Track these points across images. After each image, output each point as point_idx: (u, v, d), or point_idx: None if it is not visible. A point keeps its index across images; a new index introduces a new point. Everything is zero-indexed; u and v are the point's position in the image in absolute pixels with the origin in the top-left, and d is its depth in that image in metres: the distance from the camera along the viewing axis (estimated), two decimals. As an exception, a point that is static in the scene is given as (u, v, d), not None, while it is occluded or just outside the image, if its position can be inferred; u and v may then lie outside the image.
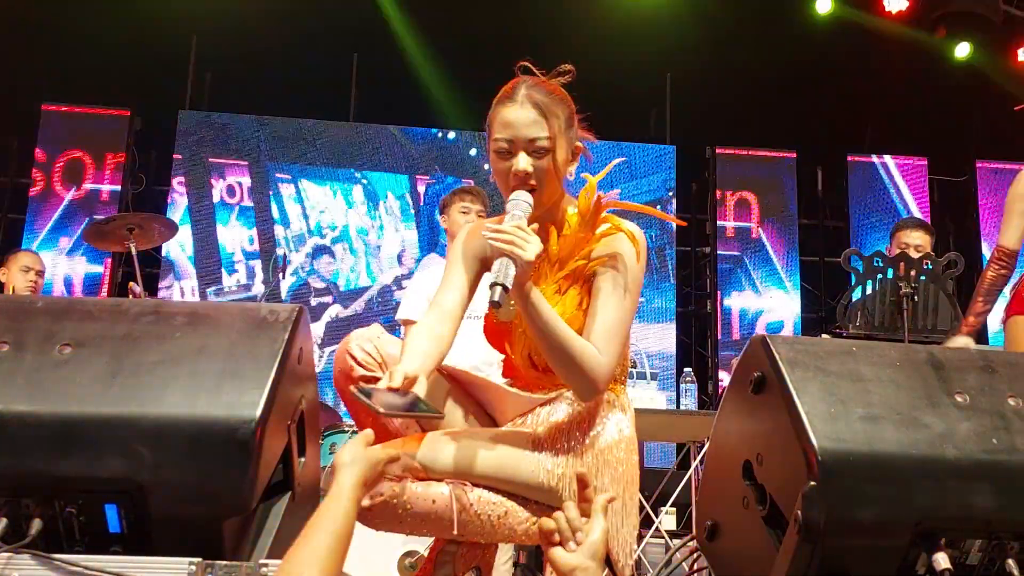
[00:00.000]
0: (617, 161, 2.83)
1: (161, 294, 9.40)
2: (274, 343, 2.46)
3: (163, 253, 9.54)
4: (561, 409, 2.67)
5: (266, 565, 2.23)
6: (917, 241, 5.47)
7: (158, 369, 2.35)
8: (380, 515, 2.49)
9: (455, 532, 2.51)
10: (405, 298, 5.30)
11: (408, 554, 4.66)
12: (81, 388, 2.29)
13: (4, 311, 2.47)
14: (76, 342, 2.38)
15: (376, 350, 2.67)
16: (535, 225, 2.51)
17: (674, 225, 10.26)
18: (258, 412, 2.30)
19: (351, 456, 2.22)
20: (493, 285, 2.40)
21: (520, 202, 2.56)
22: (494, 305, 2.41)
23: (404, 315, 5.10)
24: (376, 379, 2.60)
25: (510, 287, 2.41)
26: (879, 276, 4.78)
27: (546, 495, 2.57)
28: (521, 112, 2.62)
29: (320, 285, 9.89)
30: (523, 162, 2.60)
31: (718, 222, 10.35)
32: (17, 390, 2.27)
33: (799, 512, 2.24)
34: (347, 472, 2.18)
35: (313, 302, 9.78)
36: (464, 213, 5.00)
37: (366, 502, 2.42)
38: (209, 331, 2.46)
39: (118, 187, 9.56)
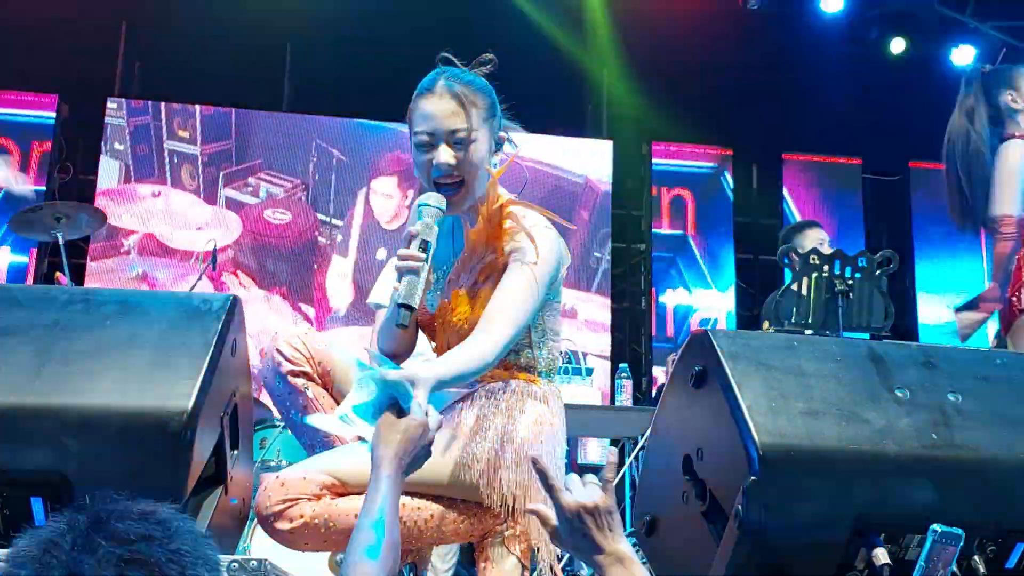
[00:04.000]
0: (512, 157, 2.77)
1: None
2: (207, 333, 2.41)
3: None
4: (478, 405, 2.63)
5: (197, 560, 2.18)
6: (821, 238, 5.57)
7: (87, 359, 2.29)
8: (303, 537, 2.45)
9: None
10: (377, 283, 5.26)
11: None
12: (6, 378, 2.23)
13: (-75, 298, 2.40)
14: (1, 330, 2.30)
15: (304, 346, 2.71)
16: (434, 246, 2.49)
17: (610, 222, 10.28)
18: (190, 404, 2.25)
19: (379, 438, 2.15)
20: (400, 306, 2.42)
21: (433, 209, 2.53)
22: (400, 327, 2.45)
23: (374, 299, 5.03)
24: (305, 374, 2.67)
25: (415, 307, 2.42)
26: (814, 273, 4.80)
27: (470, 492, 2.53)
28: (439, 103, 2.59)
29: None
30: (444, 155, 2.58)
31: (653, 219, 10.37)
32: (-62, 379, 2.20)
33: (739, 507, 2.24)
34: (381, 453, 2.13)
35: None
36: None
37: (287, 525, 2.40)
38: (140, 320, 2.40)
39: (43, 176, 9.35)
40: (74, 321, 2.37)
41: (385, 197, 9.75)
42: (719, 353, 2.41)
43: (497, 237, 2.63)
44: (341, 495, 2.46)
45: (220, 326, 2.42)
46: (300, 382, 2.69)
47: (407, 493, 2.46)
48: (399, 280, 2.44)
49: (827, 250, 5.50)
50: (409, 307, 2.40)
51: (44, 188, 9.28)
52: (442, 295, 2.70)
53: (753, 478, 2.22)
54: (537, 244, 2.59)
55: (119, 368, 2.28)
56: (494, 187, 2.65)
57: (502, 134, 2.72)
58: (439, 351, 2.72)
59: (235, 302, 2.54)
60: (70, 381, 2.25)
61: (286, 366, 2.68)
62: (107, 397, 2.23)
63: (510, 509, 2.50)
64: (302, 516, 2.41)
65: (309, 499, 2.43)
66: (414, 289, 2.41)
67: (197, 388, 2.27)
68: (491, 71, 2.72)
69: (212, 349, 2.36)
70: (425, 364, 2.43)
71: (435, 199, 2.54)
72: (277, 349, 2.70)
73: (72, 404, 2.22)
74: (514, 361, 2.68)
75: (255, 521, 4.92)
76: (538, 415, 2.64)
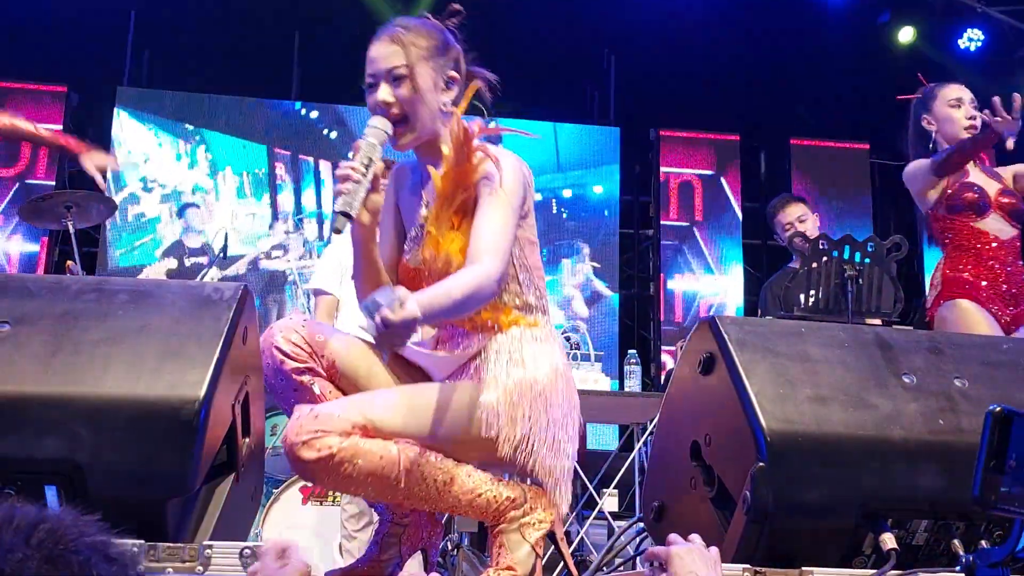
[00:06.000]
0: (473, 89, 2.76)
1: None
2: (218, 322, 2.42)
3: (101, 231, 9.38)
4: (491, 359, 2.60)
5: (210, 547, 2.20)
6: (799, 213, 5.61)
7: (99, 348, 2.30)
8: (326, 470, 2.40)
9: (401, 487, 2.46)
10: (317, 268, 5.25)
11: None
12: (19, 367, 2.24)
13: (-61, 289, 2.41)
14: (14, 320, 2.32)
15: (303, 340, 2.59)
16: (378, 164, 2.50)
17: (619, 209, 10.29)
18: (202, 392, 2.26)
19: None
20: (338, 213, 2.41)
21: (374, 129, 2.55)
22: (336, 231, 2.45)
23: (315, 284, 5.01)
24: (310, 370, 2.58)
25: (354, 215, 2.42)
26: (823, 258, 4.80)
27: (487, 447, 2.51)
28: (380, 46, 2.65)
29: (195, 244, 9.65)
30: (382, 92, 2.61)
31: (661, 205, 10.36)
32: (-50, 368, 2.22)
33: (747, 493, 2.25)
34: None
35: (188, 262, 9.56)
36: None
37: (312, 454, 2.36)
38: (152, 309, 2.42)
39: (54, 165, 9.37)
40: (86, 310, 2.38)
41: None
42: (726, 339, 2.42)
43: (468, 173, 2.61)
44: (371, 438, 2.47)
45: (232, 315, 2.44)
46: (306, 379, 2.59)
47: (433, 449, 2.47)
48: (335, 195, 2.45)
49: (807, 226, 5.55)
50: (347, 215, 2.40)
51: (55, 177, 9.33)
52: (421, 248, 2.66)
53: (761, 464, 2.23)
54: (502, 172, 2.59)
55: (131, 357, 2.30)
56: (457, 122, 2.63)
57: (452, 73, 2.71)
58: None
59: (246, 291, 2.56)
60: (82, 370, 2.26)
61: (289, 363, 2.57)
62: (119, 386, 2.24)
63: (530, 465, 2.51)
64: (329, 448, 2.37)
65: (339, 434, 2.41)
66: (353, 198, 2.41)
67: (209, 377, 2.29)
68: (459, 22, 2.75)
69: (223, 338, 2.38)
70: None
71: (380, 121, 2.56)
72: (276, 346, 2.58)
73: (84, 393, 2.23)
74: (510, 303, 2.66)
75: (267, 507, 4.99)
76: (551, 359, 2.62)
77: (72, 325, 2.33)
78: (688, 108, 10.26)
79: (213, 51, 9.59)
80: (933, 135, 4.60)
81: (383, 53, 2.63)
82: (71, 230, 5.63)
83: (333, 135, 9.94)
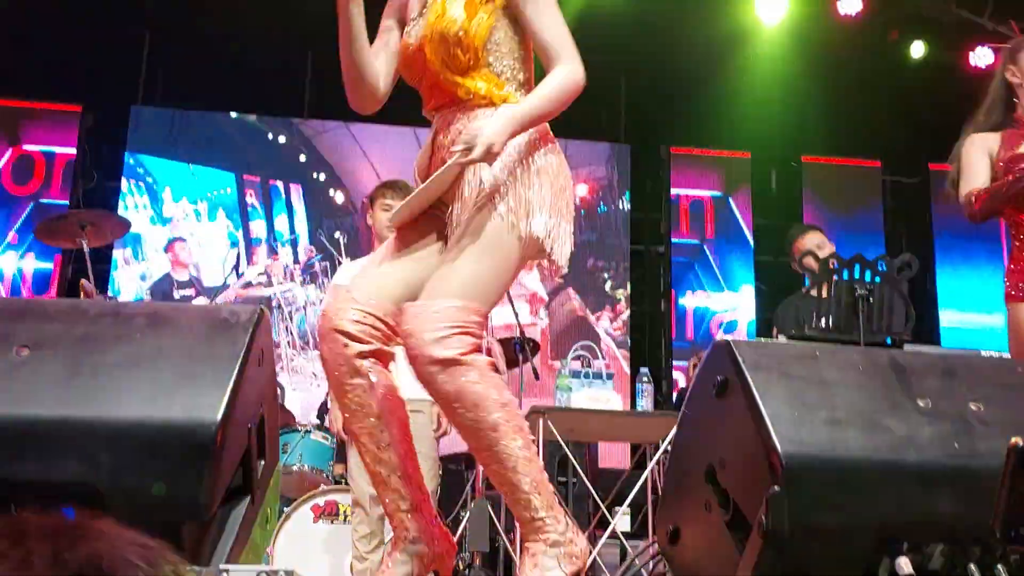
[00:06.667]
0: None
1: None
2: (234, 345, 2.43)
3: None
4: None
5: (226, 571, 2.20)
6: (818, 241, 5.61)
7: (117, 371, 2.31)
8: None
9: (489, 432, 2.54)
10: (333, 281, 5.28)
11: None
12: (38, 390, 2.25)
13: (-41, 313, 2.43)
14: (33, 344, 2.33)
15: (372, 317, 2.63)
16: None
17: (629, 224, 10.31)
18: (218, 415, 2.27)
19: None
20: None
21: None
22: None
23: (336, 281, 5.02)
24: (379, 352, 2.63)
25: None
26: (834, 277, 4.80)
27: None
28: None
29: (183, 278, 9.66)
30: None
31: (672, 222, 10.37)
32: (-28, 393, 2.23)
33: (763, 517, 2.24)
34: None
35: (176, 295, 9.59)
36: (386, 211, 4.80)
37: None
38: (169, 332, 2.43)
39: (68, 183, 9.42)
40: (104, 334, 2.39)
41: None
42: (741, 363, 2.42)
43: None
44: None
45: (248, 338, 2.44)
46: (366, 365, 2.63)
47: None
48: None
49: (824, 255, 5.54)
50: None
51: (69, 196, 9.37)
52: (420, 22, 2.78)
53: (776, 488, 2.23)
54: None
55: (148, 380, 2.31)
56: None
57: None
58: (436, 63, 2.73)
59: (262, 314, 2.56)
60: (100, 393, 2.27)
61: (354, 347, 2.60)
62: (136, 409, 2.25)
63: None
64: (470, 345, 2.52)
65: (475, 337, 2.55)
66: None
67: (225, 400, 2.29)
68: None
69: (240, 361, 2.38)
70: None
71: None
72: (340, 331, 2.61)
73: (102, 416, 2.24)
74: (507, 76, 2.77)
75: (278, 525, 4.99)
76: (528, 137, 2.71)
77: (90, 349, 2.34)
78: (698, 125, 10.28)
79: (227, 70, 9.63)
80: (1017, 90, 4.36)
81: None
82: (85, 249, 5.66)
83: (302, 158, 10.01)
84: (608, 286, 10.19)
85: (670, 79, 10.04)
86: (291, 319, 9.52)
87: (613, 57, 9.38)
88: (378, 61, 2.84)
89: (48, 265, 9.24)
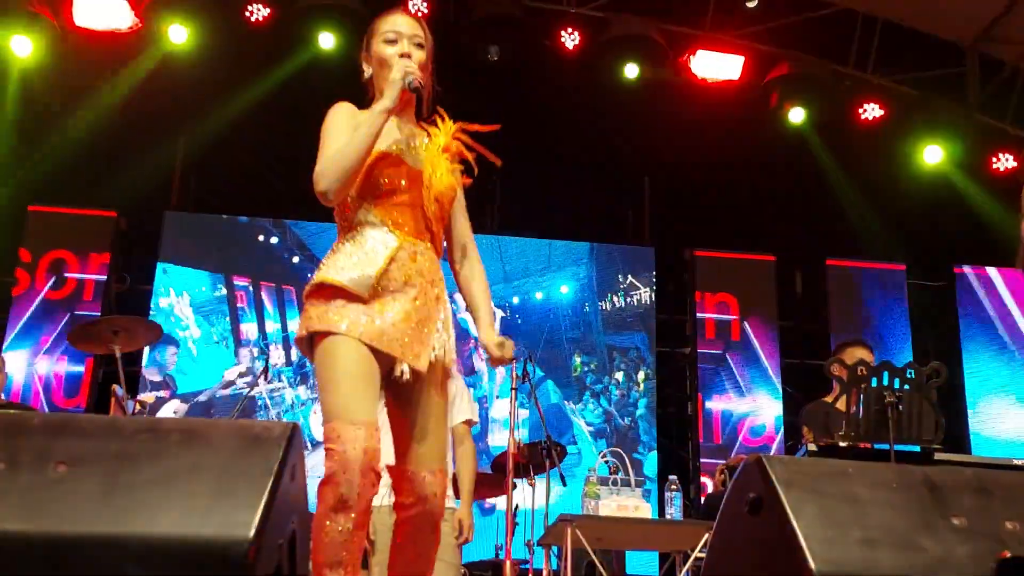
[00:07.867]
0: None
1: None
2: (267, 461, 2.44)
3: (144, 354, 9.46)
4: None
5: None
6: (862, 356, 5.56)
7: (152, 488, 2.33)
8: None
9: None
10: None
11: None
12: (74, 508, 2.27)
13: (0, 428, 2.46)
14: (71, 460, 2.36)
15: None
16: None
17: (655, 328, 10.31)
18: (251, 532, 2.27)
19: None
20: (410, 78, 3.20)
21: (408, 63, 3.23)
22: (409, 86, 3.19)
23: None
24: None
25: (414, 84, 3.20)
26: (862, 384, 4.79)
27: None
28: (404, 18, 3.33)
29: (156, 378, 9.64)
30: (412, 51, 3.27)
31: (698, 322, 10.37)
32: (10, 509, 2.25)
33: (797, 638, 2.22)
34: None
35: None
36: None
37: None
38: (203, 449, 2.45)
39: (102, 286, 9.52)
40: (139, 451, 2.41)
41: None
42: (774, 480, 2.42)
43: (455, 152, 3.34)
44: None
45: (281, 453, 2.46)
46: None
47: None
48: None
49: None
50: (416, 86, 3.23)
51: (100, 304, 9.46)
52: (422, 152, 3.28)
53: (810, 608, 2.21)
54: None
55: (183, 497, 2.32)
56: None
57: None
58: (429, 203, 3.22)
59: (295, 428, 2.58)
60: (135, 511, 2.28)
61: (373, 489, 3.01)
62: (171, 526, 2.26)
63: None
64: None
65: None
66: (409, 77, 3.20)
67: (258, 517, 2.30)
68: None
69: (273, 477, 2.40)
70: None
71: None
72: (378, 472, 2.99)
73: (136, 533, 2.25)
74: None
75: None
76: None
77: (126, 466, 2.36)
78: (722, 228, 10.35)
79: (259, 175, 9.80)
80: None
81: (408, 22, 3.30)
82: (117, 354, 5.71)
83: (295, 260, 10.10)
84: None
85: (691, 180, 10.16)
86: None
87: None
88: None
89: (79, 368, 9.30)
